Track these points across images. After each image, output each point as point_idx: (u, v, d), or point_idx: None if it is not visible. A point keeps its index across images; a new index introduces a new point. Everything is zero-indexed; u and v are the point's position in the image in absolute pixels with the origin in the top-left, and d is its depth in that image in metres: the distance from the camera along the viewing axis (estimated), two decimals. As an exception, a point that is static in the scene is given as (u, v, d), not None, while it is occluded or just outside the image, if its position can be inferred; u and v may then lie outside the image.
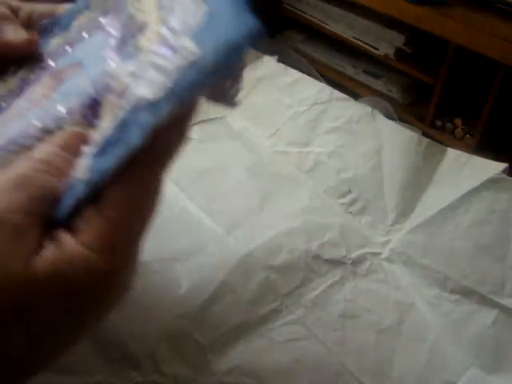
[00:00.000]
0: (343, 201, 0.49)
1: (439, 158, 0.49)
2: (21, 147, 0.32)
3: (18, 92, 0.40)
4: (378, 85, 1.16)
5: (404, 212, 0.47)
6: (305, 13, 1.23)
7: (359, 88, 1.18)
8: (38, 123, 0.33)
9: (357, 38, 1.14)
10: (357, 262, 0.45)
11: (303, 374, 0.38)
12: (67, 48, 0.42)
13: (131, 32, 0.36)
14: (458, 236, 0.44)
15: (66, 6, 0.44)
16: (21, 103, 0.38)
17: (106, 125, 0.29)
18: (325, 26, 1.20)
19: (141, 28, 0.35)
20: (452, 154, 0.48)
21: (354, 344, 0.40)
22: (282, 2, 1.28)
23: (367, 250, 0.47)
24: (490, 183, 0.45)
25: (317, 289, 0.44)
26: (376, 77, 1.16)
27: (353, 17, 1.13)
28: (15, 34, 0.38)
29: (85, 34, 0.41)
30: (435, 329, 0.41)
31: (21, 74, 0.42)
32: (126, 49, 0.35)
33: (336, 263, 0.46)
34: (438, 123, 1.08)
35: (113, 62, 0.34)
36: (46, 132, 0.32)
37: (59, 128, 0.32)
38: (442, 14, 0.94)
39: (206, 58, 0.27)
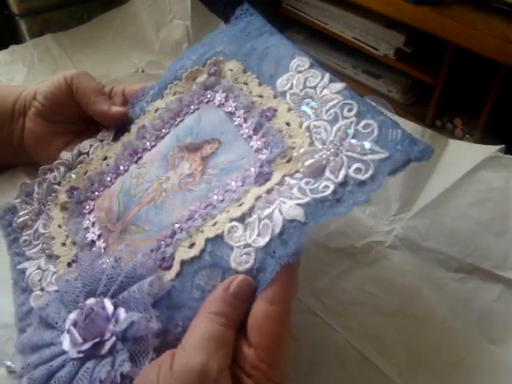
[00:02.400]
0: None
1: (442, 148, 0.49)
2: (204, 221, 0.37)
3: (122, 154, 0.47)
4: (377, 85, 1.16)
5: (407, 202, 0.48)
6: (305, 13, 1.24)
7: (359, 88, 1.18)
8: (215, 197, 0.38)
9: (357, 39, 1.15)
10: (362, 250, 0.45)
11: (321, 362, 0.39)
12: (168, 118, 0.46)
13: (260, 116, 0.41)
14: (459, 216, 0.45)
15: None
16: (172, 178, 0.42)
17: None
18: (325, 26, 1.20)
19: (270, 114, 0.41)
20: (454, 144, 0.49)
21: (363, 328, 0.40)
22: (282, 2, 1.28)
23: (372, 239, 0.47)
24: (488, 162, 0.46)
25: (325, 278, 0.44)
26: (376, 77, 1.16)
27: (353, 17, 1.13)
28: (109, 107, 0.50)
29: (188, 108, 0.46)
30: (442, 308, 0.42)
31: (124, 138, 0.49)
32: (266, 132, 0.40)
33: (343, 252, 0.46)
34: (438, 123, 1.09)
35: (255, 143, 0.40)
36: (222, 204, 0.37)
37: (233, 199, 0.37)
38: (441, 14, 0.94)
39: (393, 158, 0.33)
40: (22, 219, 0.47)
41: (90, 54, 0.75)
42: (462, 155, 0.47)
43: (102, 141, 0.50)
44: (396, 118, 0.54)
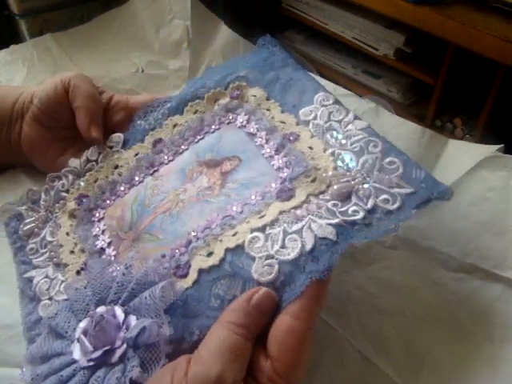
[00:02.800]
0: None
1: (441, 148, 0.49)
2: (222, 230, 0.37)
3: (138, 166, 0.47)
4: (377, 85, 1.16)
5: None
6: (305, 13, 1.23)
7: (359, 88, 1.19)
8: (234, 208, 0.39)
9: (357, 39, 1.15)
10: (362, 250, 0.45)
11: (321, 361, 0.39)
12: (188, 135, 0.47)
13: (283, 138, 0.42)
14: (459, 216, 0.45)
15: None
16: (190, 190, 0.42)
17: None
18: (325, 26, 1.20)
19: (292, 138, 0.41)
20: (453, 144, 0.49)
21: (363, 328, 0.40)
22: (282, 2, 1.28)
23: (371, 239, 0.47)
24: (487, 162, 0.46)
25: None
26: (376, 77, 1.16)
27: (353, 17, 1.13)
28: (89, 124, 0.50)
29: (208, 127, 0.46)
30: (442, 308, 0.41)
31: (137, 148, 0.49)
32: (288, 152, 0.40)
33: (343, 253, 0.46)
34: (438, 123, 1.09)
35: (276, 162, 0.40)
36: (241, 217, 0.38)
37: (253, 212, 0.37)
38: (442, 14, 0.94)
39: (418, 193, 0.35)
40: (28, 227, 0.47)
41: (89, 54, 0.75)
42: (462, 155, 0.47)
43: (111, 147, 0.50)
44: (396, 117, 0.55)
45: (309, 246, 0.34)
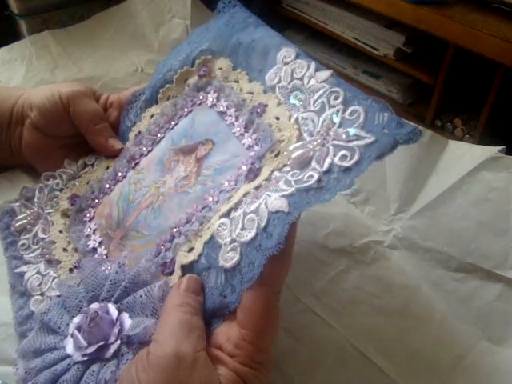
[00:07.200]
0: (346, 192, 0.49)
1: (441, 148, 0.49)
2: (202, 225, 0.37)
3: (120, 161, 0.47)
4: (377, 85, 1.16)
5: (406, 202, 0.48)
6: (305, 13, 1.23)
7: (359, 88, 1.18)
8: (210, 198, 0.38)
9: (357, 39, 1.14)
10: (361, 250, 0.45)
11: (321, 361, 0.39)
12: (164, 123, 0.47)
13: (251, 113, 0.41)
14: (460, 216, 0.45)
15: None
16: (169, 182, 0.42)
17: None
18: (325, 26, 1.20)
19: (260, 110, 0.41)
20: (453, 145, 0.49)
21: (363, 327, 0.40)
22: (282, 2, 1.28)
23: (371, 238, 0.47)
24: (489, 163, 0.46)
25: (324, 278, 0.44)
26: (376, 77, 1.16)
27: (353, 17, 1.13)
28: (105, 140, 0.50)
29: (182, 111, 0.46)
30: (442, 308, 0.42)
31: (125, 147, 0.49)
32: (257, 128, 0.40)
33: (342, 252, 0.46)
34: (438, 123, 1.08)
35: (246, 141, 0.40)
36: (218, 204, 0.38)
37: (226, 199, 0.37)
38: (441, 14, 0.94)
39: (380, 142, 0.32)
40: (20, 223, 0.47)
41: (89, 53, 0.75)
42: (462, 156, 0.47)
43: None
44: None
45: (263, 224, 0.33)
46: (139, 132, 0.48)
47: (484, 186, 0.45)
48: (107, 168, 0.49)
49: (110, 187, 0.47)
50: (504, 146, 0.46)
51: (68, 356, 0.34)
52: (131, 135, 0.49)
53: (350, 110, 0.35)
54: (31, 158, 0.52)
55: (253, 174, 0.38)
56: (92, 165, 0.50)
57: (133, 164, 0.47)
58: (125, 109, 0.51)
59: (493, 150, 0.46)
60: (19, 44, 0.76)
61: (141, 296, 0.35)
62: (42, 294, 0.42)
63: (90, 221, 0.46)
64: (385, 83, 1.15)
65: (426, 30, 0.97)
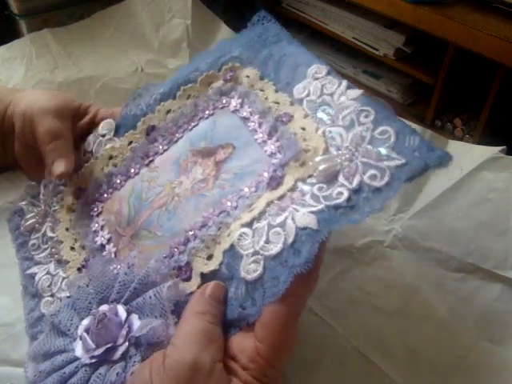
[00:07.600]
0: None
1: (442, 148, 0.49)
2: (219, 230, 0.37)
3: (133, 157, 0.46)
4: (377, 85, 1.16)
5: (407, 201, 0.48)
6: (305, 13, 1.23)
7: (359, 88, 1.18)
8: (229, 203, 0.38)
9: (357, 39, 1.14)
10: (361, 250, 0.45)
11: (321, 361, 0.39)
12: (182, 123, 0.46)
13: (276, 121, 0.41)
14: (460, 216, 0.45)
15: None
16: (185, 183, 0.42)
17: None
18: (325, 26, 1.20)
19: (285, 119, 0.40)
20: (454, 144, 0.49)
21: (363, 327, 0.40)
22: (282, 2, 1.28)
23: (371, 238, 0.47)
24: (490, 163, 0.46)
25: (324, 278, 0.44)
26: (376, 77, 1.16)
27: (353, 17, 1.13)
28: (52, 164, 0.47)
29: (202, 113, 0.46)
30: (442, 307, 0.42)
31: (130, 136, 0.48)
32: (280, 136, 0.39)
33: (342, 252, 0.46)
34: (438, 123, 1.09)
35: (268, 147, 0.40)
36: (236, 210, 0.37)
37: (246, 206, 0.37)
38: (441, 14, 0.94)
39: (411, 164, 0.32)
40: (29, 222, 0.47)
41: (89, 52, 0.75)
42: (463, 156, 0.47)
43: (103, 136, 0.49)
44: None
45: (290, 239, 0.33)
46: (153, 126, 0.47)
47: (485, 186, 0.45)
48: (110, 158, 0.48)
49: (120, 183, 0.46)
50: (505, 146, 0.47)
51: (77, 358, 0.34)
52: (141, 126, 0.48)
53: (380, 129, 0.35)
54: (24, 167, 0.52)
55: (275, 182, 0.37)
56: (91, 152, 0.49)
57: (146, 161, 0.46)
58: (132, 95, 0.50)
59: (493, 151, 0.46)
60: (19, 42, 0.75)
61: (150, 297, 0.34)
62: (52, 296, 0.42)
63: (97, 216, 0.45)
64: (385, 83, 1.15)
65: (426, 30, 0.97)
